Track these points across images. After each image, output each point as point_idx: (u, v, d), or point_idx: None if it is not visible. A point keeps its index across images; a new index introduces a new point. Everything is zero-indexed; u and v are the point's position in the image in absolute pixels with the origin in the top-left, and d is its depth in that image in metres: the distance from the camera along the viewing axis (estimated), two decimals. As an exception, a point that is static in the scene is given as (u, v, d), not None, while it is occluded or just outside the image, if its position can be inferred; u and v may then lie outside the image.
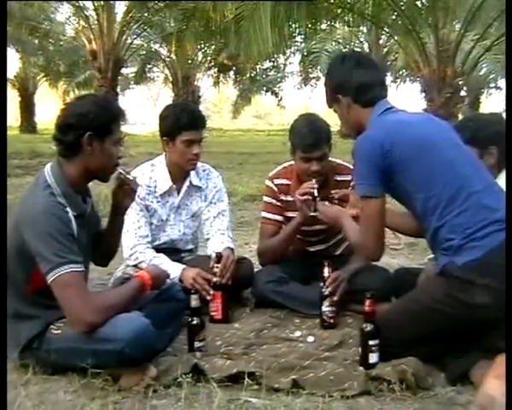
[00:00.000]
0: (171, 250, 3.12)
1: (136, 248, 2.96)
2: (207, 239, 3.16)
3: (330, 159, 3.04)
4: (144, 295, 2.34)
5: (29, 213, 2.10)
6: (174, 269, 2.87)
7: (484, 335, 2.13)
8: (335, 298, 2.72)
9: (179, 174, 3.09)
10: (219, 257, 2.83)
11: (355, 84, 2.38)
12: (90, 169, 2.22)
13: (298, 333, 2.64)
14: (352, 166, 2.88)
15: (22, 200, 2.23)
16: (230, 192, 7.03)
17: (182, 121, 2.94)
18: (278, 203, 3.11)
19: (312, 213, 2.81)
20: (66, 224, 2.11)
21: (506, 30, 1.86)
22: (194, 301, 2.36)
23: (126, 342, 2.05)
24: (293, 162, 3.08)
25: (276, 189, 3.12)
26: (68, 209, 2.15)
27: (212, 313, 2.77)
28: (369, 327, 2.22)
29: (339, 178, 3.06)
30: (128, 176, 2.36)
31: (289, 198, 3.07)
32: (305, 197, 2.82)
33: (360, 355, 2.24)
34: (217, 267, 2.80)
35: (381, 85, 2.44)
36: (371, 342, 2.20)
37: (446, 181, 2.18)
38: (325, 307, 2.69)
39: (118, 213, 2.47)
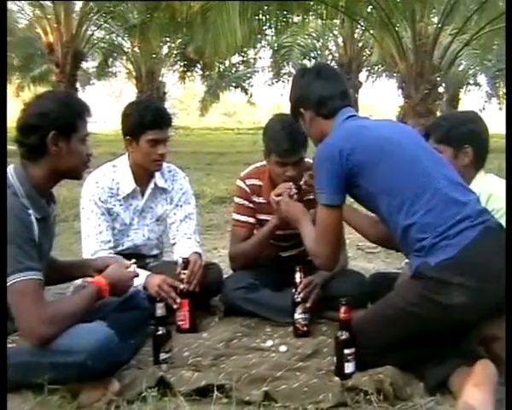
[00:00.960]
0: (135, 256, 3.09)
1: (97, 254, 2.93)
2: (173, 244, 3.15)
3: (306, 159, 3.07)
4: (107, 303, 2.33)
5: None
6: (138, 277, 2.85)
7: (462, 339, 2.16)
8: (308, 305, 2.73)
9: (143, 176, 3.07)
10: (186, 263, 2.82)
11: (315, 97, 2.49)
12: (59, 170, 2.20)
13: (269, 342, 2.65)
14: None
15: None
16: (198, 194, 7.03)
17: (146, 120, 2.92)
18: (250, 205, 3.12)
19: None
20: (28, 227, 2.08)
21: (506, 29, 1.89)
22: (160, 310, 2.35)
23: (88, 353, 2.03)
24: (265, 162, 3.09)
25: (248, 189, 3.12)
26: (31, 212, 2.12)
27: (179, 323, 2.76)
28: (344, 335, 2.23)
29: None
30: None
31: (261, 200, 3.08)
32: (280, 198, 2.83)
33: (335, 365, 2.25)
34: (183, 273, 2.80)
35: (341, 96, 2.52)
36: (347, 351, 2.21)
37: (409, 179, 2.24)
38: (298, 315, 2.70)
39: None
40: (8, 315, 2.07)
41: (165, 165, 3.16)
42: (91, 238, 2.96)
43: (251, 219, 3.12)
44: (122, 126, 3.04)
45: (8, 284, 2.00)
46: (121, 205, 3.06)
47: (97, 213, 2.98)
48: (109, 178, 3.03)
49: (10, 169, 2.18)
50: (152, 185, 3.10)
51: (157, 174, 3.11)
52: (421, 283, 2.13)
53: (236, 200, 3.18)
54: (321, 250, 2.41)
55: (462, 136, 2.61)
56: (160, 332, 2.34)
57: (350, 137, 2.34)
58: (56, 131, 2.13)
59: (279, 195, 2.84)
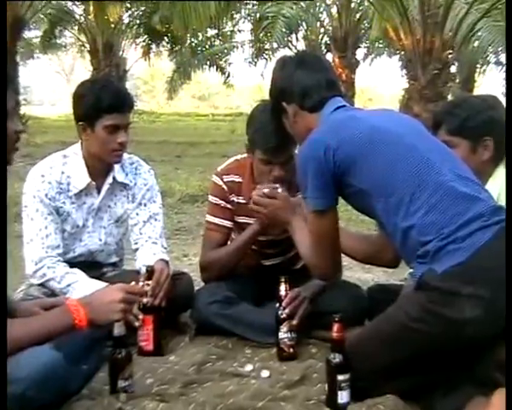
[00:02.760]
0: (90, 264, 3.10)
1: (43, 262, 2.92)
2: (136, 250, 3.15)
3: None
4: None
5: None
6: (93, 288, 2.85)
7: (476, 362, 2.16)
8: (295, 322, 2.73)
9: (100, 169, 3.07)
10: (150, 272, 2.82)
11: (298, 89, 2.53)
12: None
13: (249, 367, 2.66)
14: None
15: None
16: (165, 191, 7.06)
17: (103, 102, 2.91)
18: (228, 205, 3.12)
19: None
20: None
21: (506, 29, 1.91)
22: (118, 329, 2.33)
23: (29, 382, 2.02)
24: (246, 155, 3.09)
25: (225, 187, 3.12)
26: None
27: (142, 343, 2.76)
28: (337, 358, 2.24)
29: None
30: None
31: (241, 199, 3.09)
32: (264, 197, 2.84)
33: (327, 394, 2.27)
34: (147, 285, 2.78)
35: (328, 85, 2.55)
36: (340, 377, 2.22)
37: (407, 172, 2.24)
38: (283, 334, 2.71)
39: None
40: None
41: (126, 156, 3.16)
42: (36, 243, 2.94)
43: (227, 223, 3.12)
44: (74, 110, 3.03)
45: None
46: (73, 203, 3.05)
47: (43, 213, 2.96)
48: (58, 171, 3.02)
49: None
50: (110, 180, 3.10)
51: (116, 167, 3.10)
52: (426, 294, 2.13)
53: (211, 199, 3.18)
54: (319, 261, 2.45)
55: (481, 126, 2.61)
56: (118, 355, 2.33)
57: (336, 130, 2.37)
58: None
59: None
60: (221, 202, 3.13)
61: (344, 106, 2.52)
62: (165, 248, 3.18)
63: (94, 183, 3.07)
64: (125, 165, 3.18)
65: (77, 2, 21.92)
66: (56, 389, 2.11)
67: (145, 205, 3.17)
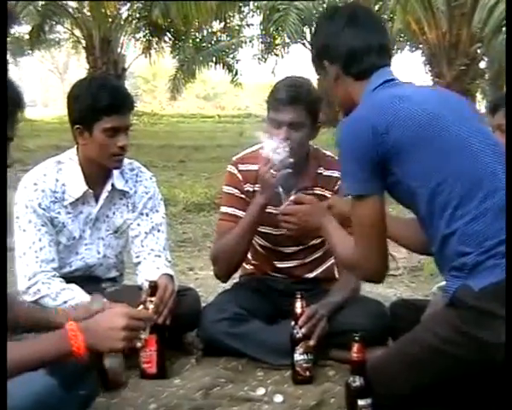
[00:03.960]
0: (87, 279, 3.11)
1: (37, 277, 2.93)
2: (137, 263, 3.15)
3: (316, 146, 3.14)
4: None
5: None
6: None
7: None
8: (312, 343, 2.73)
9: (98, 175, 3.08)
10: (154, 288, 2.81)
11: (344, 49, 2.37)
12: None
13: (261, 391, 2.66)
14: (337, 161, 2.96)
15: None
16: (169, 200, 7.07)
17: (101, 103, 2.91)
18: (242, 195, 3.12)
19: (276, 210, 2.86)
20: None
21: (506, 30, 1.91)
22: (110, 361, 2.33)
23: None
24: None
25: (240, 176, 3.14)
26: None
27: (144, 366, 2.77)
28: (357, 381, 2.22)
29: (323, 173, 3.13)
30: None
31: (257, 188, 3.09)
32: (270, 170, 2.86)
33: (346, 420, 2.26)
34: (150, 302, 2.78)
35: (380, 51, 2.39)
36: (361, 402, 2.21)
37: (460, 172, 2.15)
38: (298, 355, 2.71)
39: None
40: None
41: (126, 162, 3.17)
42: (29, 257, 2.94)
43: (241, 213, 3.10)
44: (69, 112, 3.04)
45: None
46: (68, 213, 3.05)
47: (37, 224, 2.96)
48: (52, 178, 3.03)
49: None
50: (108, 188, 3.10)
51: (115, 173, 3.11)
52: (460, 313, 2.08)
53: (225, 189, 3.19)
54: (364, 257, 2.28)
55: None
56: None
57: (384, 110, 2.23)
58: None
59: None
60: (235, 191, 3.14)
61: (393, 80, 2.37)
62: (170, 261, 3.18)
63: (91, 191, 3.07)
64: (125, 171, 3.18)
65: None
66: (51, 419, 2.12)
67: (147, 215, 3.17)
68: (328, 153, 3.21)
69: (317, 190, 3.09)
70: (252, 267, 3.30)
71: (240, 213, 3.09)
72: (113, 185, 3.10)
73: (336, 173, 3.07)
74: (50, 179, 3.02)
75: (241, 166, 3.15)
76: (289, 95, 2.96)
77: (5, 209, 2.08)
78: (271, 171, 2.84)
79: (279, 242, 3.16)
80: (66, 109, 3.05)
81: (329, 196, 3.05)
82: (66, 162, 3.08)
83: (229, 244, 3.04)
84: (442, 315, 2.20)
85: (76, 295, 2.90)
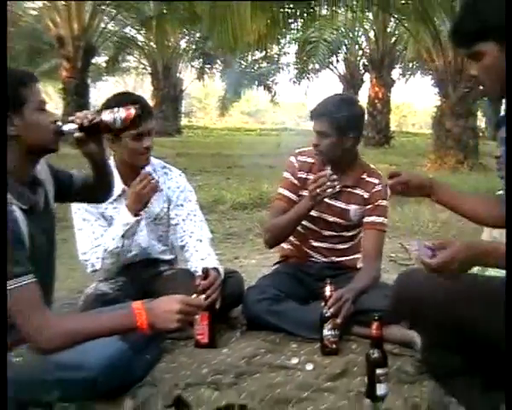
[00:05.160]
0: (148, 262, 3.12)
1: (100, 262, 2.97)
2: (182, 247, 3.12)
3: (362, 159, 3.22)
4: None
5: None
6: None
7: None
8: (338, 321, 2.71)
9: (132, 174, 3.03)
10: (206, 273, 2.82)
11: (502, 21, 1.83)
12: (27, 150, 2.16)
13: (295, 360, 2.64)
14: (380, 173, 3.10)
15: None
16: (218, 200, 7.09)
17: None
18: (295, 181, 3.17)
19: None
20: (12, 228, 2.08)
21: (506, 30, 1.80)
22: None
23: (99, 369, 2.04)
24: None
25: (296, 165, 3.20)
26: (14, 207, 2.14)
27: (198, 337, 2.77)
28: (376, 354, 2.22)
29: (366, 178, 3.15)
30: (71, 127, 2.24)
31: (310, 176, 3.12)
32: (317, 186, 2.89)
33: (366, 386, 2.24)
34: (202, 290, 2.75)
35: None
36: (379, 371, 2.20)
37: None
38: (327, 331, 2.69)
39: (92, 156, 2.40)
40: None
41: (157, 162, 3.19)
42: (87, 246, 2.99)
43: (292, 195, 3.16)
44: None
45: None
46: (115, 208, 3.05)
47: (90, 221, 3.01)
48: None
49: None
50: None
51: (148, 171, 3.08)
52: None
53: (284, 174, 3.25)
54: None
55: None
56: None
57: None
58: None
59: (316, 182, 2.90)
60: (290, 177, 3.19)
61: None
62: (209, 239, 3.16)
63: (127, 187, 3.04)
64: (157, 169, 3.18)
65: (140, 31, 22.13)
66: (123, 376, 2.14)
67: (182, 205, 3.15)
68: (371, 165, 3.24)
69: (358, 190, 3.13)
70: (291, 247, 3.29)
71: (292, 195, 3.16)
72: None
73: (376, 181, 3.12)
74: None
75: (300, 158, 3.22)
76: (317, 109, 3.06)
77: (5, 209, 2.09)
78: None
79: (318, 224, 3.17)
80: None
81: (367, 196, 3.11)
82: None
83: (280, 225, 3.11)
84: None
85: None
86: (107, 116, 2.25)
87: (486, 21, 1.88)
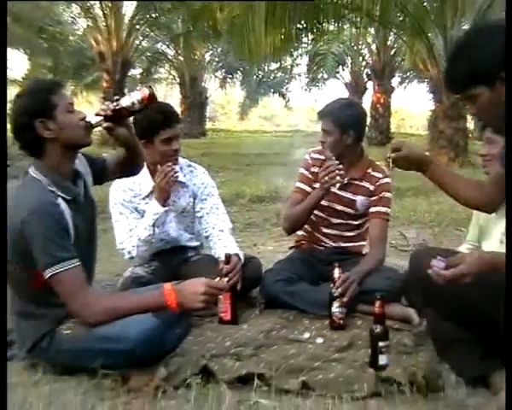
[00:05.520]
0: (176, 249, 3.13)
1: (135, 250, 2.99)
2: (207, 237, 3.14)
3: (367, 156, 3.20)
4: None
5: (22, 211, 2.08)
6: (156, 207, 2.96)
7: None
8: (345, 299, 2.70)
9: None
10: (228, 258, 2.83)
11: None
12: (64, 148, 2.19)
13: (307, 334, 2.63)
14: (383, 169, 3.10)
15: (15, 199, 2.19)
16: (238, 193, 7.07)
17: (157, 121, 2.93)
18: (309, 175, 3.18)
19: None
20: (58, 219, 2.10)
21: (506, 30, 1.77)
22: None
23: (136, 342, 2.06)
24: None
25: (310, 161, 3.22)
26: (60, 200, 2.15)
27: (221, 315, 2.77)
28: (378, 329, 2.21)
29: (371, 173, 3.13)
30: (97, 119, 2.26)
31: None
32: (326, 174, 2.89)
33: (370, 357, 2.24)
34: (225, 274, 2.76)
35: None
36: (381, 344, 2.20)
37: None
38: (335, 309, 2.68)
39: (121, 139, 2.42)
40: (58, 302, 2.12)
41: (183, 161, 3.19)
42: (124, 236, 3.01)
43: (306, 187, 3.18)
44: (135, 131, 3.01)
45: (48, 275, 2.05)
46: (147, 203, 3.06)
47: (125, 214, 3.04)
48: (129, 180, 3.03)
49: (32, 168, 2.21)
50: None
51: (176, 169, 3.08)
52: None
53: (300, 169, 3.26)
54: None
55: None
56: None
57: None
58: (41, 119, 2.13)
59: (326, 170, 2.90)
60: (305, 172, 3.21)
61: None
62: (230, 229, 3.16)
63: None
64: (184, 168, 3.18)
65: (170, 46, 22.18)
66: (157, 348, 2.15)
67: (205, 199, 3.15)
68: (377, 162, 3.21)
69: (364, 183, 3.11)
70: (305, 234, 3.28)
71: (307, 187, 3.18)
72: None
73: (380, 175, 3.11)
74: (128, 181, 3.04)
75: (313, 155, 3.23)
76: (325, 109, 3.09)
77: (5, 209, 2.10)
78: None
79: (328, 212, 3.16)
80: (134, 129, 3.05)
81: (372, 188, 3.10)
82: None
83: (297, 214, 3.11)
84: None
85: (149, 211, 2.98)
86: (125, 101, 2.27)
87: (475, 68, 1.83)
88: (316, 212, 3.15)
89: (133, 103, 2.26)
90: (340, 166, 2.90)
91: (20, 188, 2.23)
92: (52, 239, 2.06)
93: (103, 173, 2.50)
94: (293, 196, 3.22)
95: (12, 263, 2.16)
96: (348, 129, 3.02)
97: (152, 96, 2.28)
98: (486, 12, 10.25)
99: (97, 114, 2.25)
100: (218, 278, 2.44)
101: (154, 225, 2.95)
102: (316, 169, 3.15)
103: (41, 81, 2.34)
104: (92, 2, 16.26)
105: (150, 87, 2.31)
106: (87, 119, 2.23)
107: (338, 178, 2.89)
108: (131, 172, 2.68)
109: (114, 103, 2.26)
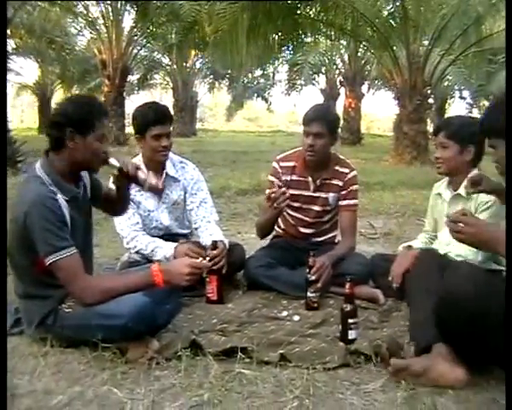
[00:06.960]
0: (168, 235, 3.11)
1: (131, 235, 2.97)
2: (196, 228, 3.11)
3: (336, 153, 3.10)
4: None
5: (24, 204, 2.07)
6: (168, 248, 2.90)
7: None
8: (319, 285, 2.68)
9: (155, 167, 3.01)
10: (215, 245, 2.81)
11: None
12: (76, 162, 2.18)
13: (285, 313, 2.63)
14: (349, 163, 3.05)
15: (19, 193, 2.18)
16: (224, 187, 7.04)
17: (149, 118, 2.91)
18: (280, 183, 3.05)
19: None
20: (57, 212, 2.08)
21: (506, 30, 1.77)
22: None
23: (129, 317, 2.05)
24: (301, 148, 3.05)
25: (279, 170, 3.10)
26: (59, 196, 2.12)
27: (209, 295, 2.76)
28: (348, 307, 2.22)
29: (339, 169, 3.07)
30: (115, 164, 2.31)
31: (294, 177, 3.08)
32: (274, 201, 2.78)
33: (340, 332, 2.24)
34: (211, 257, 2.73)
35: None
36: (351, 321, 2.20)
37: None
38: (310, 293, 2.67)
39: (120, 189, 2.48)
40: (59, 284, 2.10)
41: (176, 158, 3.15)
42: (123, 225, 2.98)
43: None
44: (133, 128, 3.02)
45: (49, 262, 2.04)
46: (142, 195, 3.03)
47: None
48: None
49: (38, 164, 2.19)
50: (164, 175, 3.07)
51: (168, 165, 3.07)
52: None
53: (269, 178, 3.15)
54: None
55: (469, 136, 2.57)
56: None
57: None
58: (73, 129, 2.12)
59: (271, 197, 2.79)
60: (275, 179, 3.10)
61: None
62: (216, 221, 3.12)
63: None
64: (176, 164, 3.14)
65: (165, 55, 22.00)
66: (148, 322, 2.14)
67: (195, 194, 3.11)
68: (341, 157, 3.14)
69: (334, 181, 3.05)
70: (282, 231, 3.24)
71: None
72: (166, 173, 3.06)
73: (347, 170, 3.05)
74: None
75: (282, 163, 3.12)
76: (314, 114, 2.94)
77: (5, 209, 2.08)
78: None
79: (306, 213, 3.12)
80: (131, 126, 3.02)
81: (341, 184, 3.04)
82: (136, 162, 3.04)
83: (262, 223, 3.07)
84: None
85: (158, 244, 2.93)
86: (141, 175, 2.34)
87: (495, 125, 1.86)
88: (293, 213, 3.12)
89: (144, 183, 2.37)
90: (284, 188, 2.81)
91: (23, 183, 2.22)
92: (51, 230, 2.04)
93: (98, 193, 2.47)
94: (265, 204, 3.10)
95: (18, 251, 2.14)
96: (335, 132, 3.00)
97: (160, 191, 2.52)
98: (443, 30, 10.42)
99: (117, 159, 2.30)
100: (200, 259, 2.43)
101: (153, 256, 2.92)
102: (287, 176, 3.07)
103: (96, 101, 2.30)
104: (96, 16, 16.11)
105: (163, 186, 2.62)
106: (109, 157, 2.26)
107: (286, 202, 2.78)
108: (114, 212, 2.72)
109: (134, 170, 2.34)
